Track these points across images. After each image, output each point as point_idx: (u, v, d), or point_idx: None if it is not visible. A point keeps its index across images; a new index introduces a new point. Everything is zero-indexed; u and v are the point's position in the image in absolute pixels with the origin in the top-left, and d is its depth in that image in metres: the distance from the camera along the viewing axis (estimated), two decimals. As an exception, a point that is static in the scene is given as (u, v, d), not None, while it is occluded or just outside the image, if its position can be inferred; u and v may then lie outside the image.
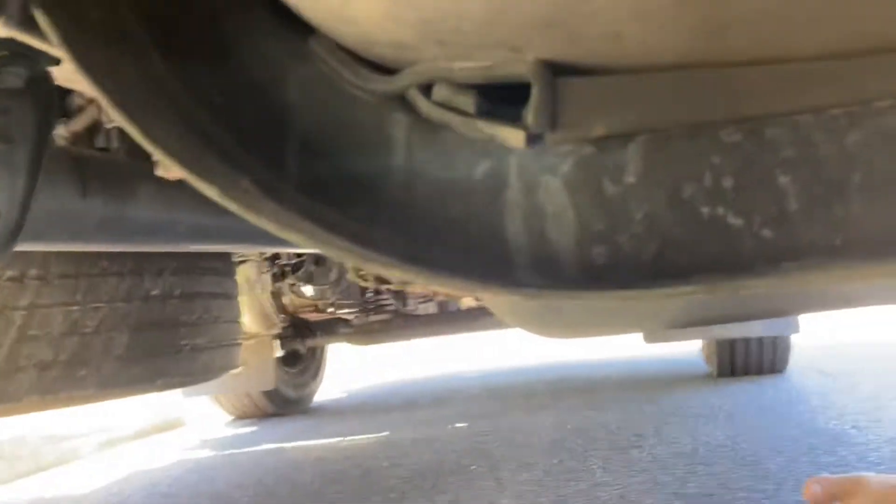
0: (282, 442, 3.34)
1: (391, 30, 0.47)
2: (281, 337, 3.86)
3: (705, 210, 0.48)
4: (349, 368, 5.86)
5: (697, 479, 2.03)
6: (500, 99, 0.51)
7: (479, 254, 0.50)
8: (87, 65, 0.47)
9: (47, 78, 1.19)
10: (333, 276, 3.38)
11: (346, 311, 3.79)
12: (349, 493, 2.26)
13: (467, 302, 4.19)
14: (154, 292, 2.10)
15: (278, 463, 2.89)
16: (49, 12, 0.47)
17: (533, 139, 0.50)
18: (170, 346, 2.12)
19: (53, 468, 3.51)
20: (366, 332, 3.92)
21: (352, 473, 2.53)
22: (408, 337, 4.07)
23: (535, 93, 0.49)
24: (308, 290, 3.50)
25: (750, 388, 3.24)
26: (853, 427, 2.37)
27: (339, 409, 4.31)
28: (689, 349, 4.20)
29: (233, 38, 0.56)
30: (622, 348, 5.06)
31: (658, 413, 2.95)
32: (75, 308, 1.93)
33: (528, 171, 0.52)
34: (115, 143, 1.93)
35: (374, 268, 0.48)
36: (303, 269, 3.34)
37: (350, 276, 3.32)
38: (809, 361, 3.80)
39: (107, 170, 1.45)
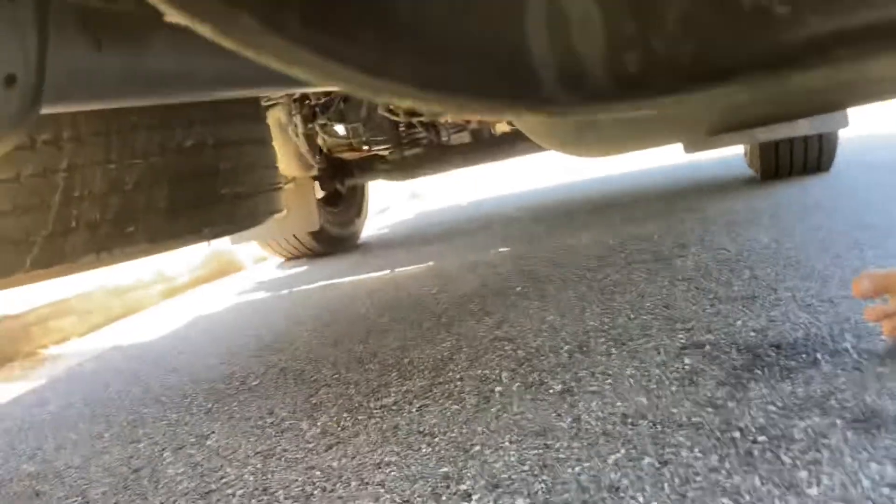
0: (333, 278, 3.45)
1: None
2: (320, 178, 3.89)
3: (747, 0, 0.43)
4: (391, 202, 5.93)
5: (741, 282, 2.05)
6: None
7: (502, 71, 0.47)
8: None
9: (43, -75, 1.13)
10: (364, 112, 3.33)
11: (381, 147, 3.77)
12: (402, 321, 2.35)
13: (501, 128, 4.13)
14: (187, 143, 2.10)
15: (332, 297, 2.99)
16: None
17: None
18: (210, 195, 2.15)
19: (123, 319, 3.72)
20: (402, 167, 3.92)
21: (404, 302, 2.61)
22: (444, 168, 4.06)
23: None
24: (340, 128, 3.47)
25: (795, 189, 3.20)
26: (901, 220, 2.33)
27: (386, 243, 4.40)
28: (731, 153, 4.12)
29: None
30: (662, 158, 4.98)
31: (701, 221, 2.94)
32: (112, 166, 1.94)
33: None
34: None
35: (391, 98, 0.45)
36: (333, 108, 3.30)
37: (381, 110, 3.27)
38: (856, 155, 3.70)
39: (117, 21, 1.40)
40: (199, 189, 2.10)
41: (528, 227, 3.75)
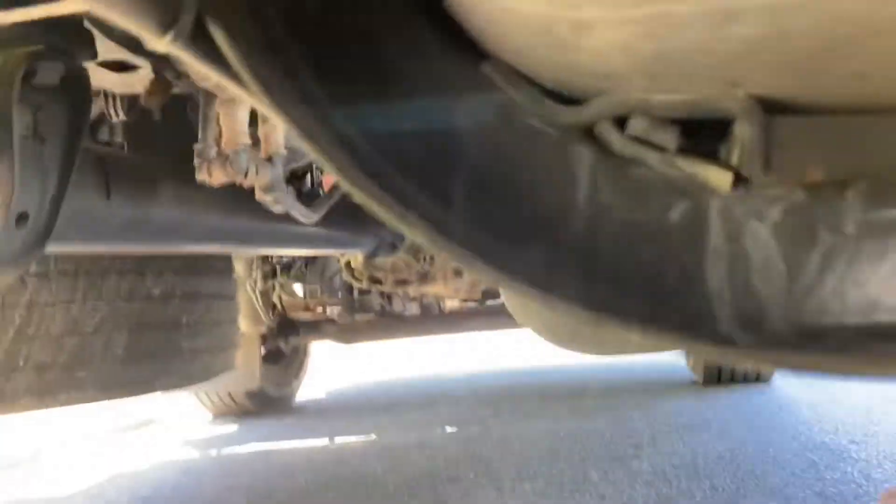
0: (268, 441, 3.27)
1: (607, 59, 0.43)
2: (264, 335, 3.79)
3: None
4: (331, 367, 5.79)
5: (702, 492, 2.03)
6: (688, 135, 0.47)
7: (675, 303, 0.46)
8: (262, 81, 0.43)
9: (83, 75, 1.13)
10: (325, 274, 3.32)
11: (334, 310, 3.73)
12: (347, 501, 2.21)
13: (451, 304, 4.17)
14: (155, 291, 2.03)
15: (268, 465, 2.82)
16: (225, 27, 0.43)
17: (740, 181, 0.47)
18: (170, 347, 2.05)
19: (28, 465, 3.40)
20: (350, 331, 3.87)
21: (347, 478, 2.48)
22: (391, 337, 4.03)
23: (747, 132, 0.45)
24: (299, 288, 3.44)
25: (738, 397, 3.27)
26: (851, 442, 2.39)
27: (323, 409, 4.24)
28: (672, 356, 4.22)
29: (394, 61, 0.52)
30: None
31: (650, 422, 2.95)
32: (75, 307, 1.85)
33: (732, 216, 0.48)
34: (118, 138, 1.86)
35: (558, 309, 0.44)
36: (294, 269, 3.28)
37: (343, 275, 3.27)
38: (792, 371, 3.84)
39: (129, 169, 1.39)
40: (159, 340, 2.00)
41: (475, 408, 3.69)
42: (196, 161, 1.18)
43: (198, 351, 2.13)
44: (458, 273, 3.07)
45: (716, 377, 3.50)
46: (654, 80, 0.45)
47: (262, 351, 3.81)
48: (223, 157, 1.15)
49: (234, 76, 0.48)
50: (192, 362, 2.11)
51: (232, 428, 3.78)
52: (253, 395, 3.91)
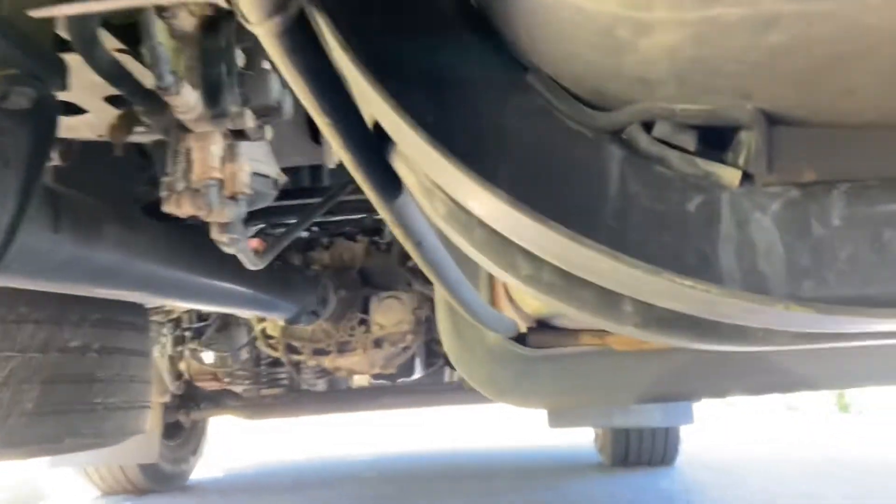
0: (164, 521, 3.09)
1: (653, 63, 0.50)
2: (165, 405, 3.63)
3: None
4: (230, 443, 5.53)
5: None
6: (703, 139, 0.55)
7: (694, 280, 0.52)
8: (365, 60, 0.48)
9: (53, 102, 1.13)
10: (238, 342, 3.24)
11: (240, 381, 3.62)
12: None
13: (359, 381, 4.13)
14: (72, 344, 1.94)
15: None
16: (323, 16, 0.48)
17: (746, 179, 0.55)
18: (83, 403, 1.95)
19: None
20: (254, 406, 3.76)
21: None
22: (298, 413, 3.93)
23: (754, 138, 0.53)
24: (209, 356, 3.34)
25: (644, 478, 3.34)
26: (755, 520, 2.49)
27: (221, 489, 4.04)
28: (580, 439, 4.29)
29: (449, 68, 0.58)
30: (517, 436, 5.09)
31: (562, 502, 2.97)
32: (-16, 356, 1.75)
33: (740, 208, 0.56)
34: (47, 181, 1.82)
35: (607, 265, 0.49)
36: (206, 335, 3.19)
37: (259, 343, 3.20)
38: (692, 454, 3.98)
39: (78, 206, 1.38)
40: (72, 395, 1.91)
41: (381, 489, 3.61)
42: (163, 193, 1.18)
43: (111, 409, 2.03)
44: (377, 344, 3.07)
45: (623, 458, 3.58)
46: (683, 88, 0.52)
47: (163, 423, 3.64)
48: (192, 191, 1.16)
49: (306, 74, 0.52)
50: (105, 421, 2.01)
51: (123, 506, 3.55)
52: (146, 471, 3.70)
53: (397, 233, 0.82)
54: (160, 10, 1.05)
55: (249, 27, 0.49)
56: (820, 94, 0.51)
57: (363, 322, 3.00)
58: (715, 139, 0.56)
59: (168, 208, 1.18)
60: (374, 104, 0.53)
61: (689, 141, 0.55)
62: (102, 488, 3.80)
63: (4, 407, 1.79)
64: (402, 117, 0.49)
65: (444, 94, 0.57)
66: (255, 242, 2.89)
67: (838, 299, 0.53)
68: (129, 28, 1.12)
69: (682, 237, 0.55)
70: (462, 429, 5.74)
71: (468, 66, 0.59)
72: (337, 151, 0.67)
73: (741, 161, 0.55)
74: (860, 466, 3.63)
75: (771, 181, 0.56)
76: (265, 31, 0.48)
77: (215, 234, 1.32)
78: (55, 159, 1.83)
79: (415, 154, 0.54)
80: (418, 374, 3.75)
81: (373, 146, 0.66)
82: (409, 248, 0.84)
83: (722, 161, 0.56)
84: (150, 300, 2.16)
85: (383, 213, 0.78)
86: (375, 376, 3.78)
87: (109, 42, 1.12)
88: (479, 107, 0.58)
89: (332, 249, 3.01)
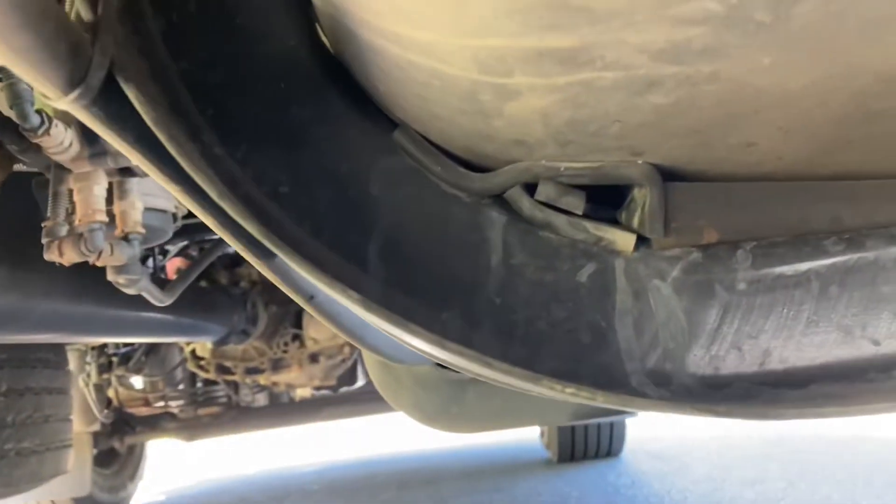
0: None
1: (526, 126, 0.44)
2: (96, 434, 3.48)
3: (815, 317, 0.49)
4: (171, 465, 5.38)
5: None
6: (591, 202, 0.49)
7: (590, 358, 0.47)
8: (174, 141, 0.40)
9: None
10: (168, 365, 3.12)
11: (175, 403, 3.49)
12: None
13: (302, 393, 4.03)
14: (-24, 388, 1.82)
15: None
16: (136, 87, 0.40)
17: (642, 243, 0.49)
18: (-9, 451, 1.82)
19: None
20: (193, 426, 3.63)
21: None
22: (238, 431, 3.81)
23: (647, 197, 0.48)
24: (138, 381, 3.20)
25: (591, 472, 3.34)
26: (698, 509, 2.50)
27: (161, 514, 3.91)
28: (527, 435, 4.28)
29: (304, 126, 0.51)
30: (458, 437, 5.05)
31: (509, 501, 2.95)
32: None
33: (637, 275, 0.50)
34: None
35: (479, 369, 0.43)
36: (134, 360, 3.05)
37: (189, 365, 3.09)
38: (638, 444, 4.00)
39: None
40: (-21, 443, 1.78)
41: (329, 501, 3.54)
42: (44, 240, 1.08)
43: (24, 454, 1.91)
44: (314, 359, 2.98)
45: (569, 454, 3.58)
46: (565, 148, 0.46)
47: (94, 452, 3.49)
48: (76, 236, 1.06)
49: (134, 140, 0.45)
50: (19, 467, 1.89)
51: (57, 542, 3.39)
52: (80, 502, 3.54)
53: (285, 290, 0.74)
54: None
55: (51, 103, 0.42)
56: (716, 148, 0.46)
57: (297, 337, 2.91)
58: (605, 201, 0.51)
59: (50, 257, 1.08)
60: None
61: (576, 203, 0.50)
62: (34, 524, 3.62)
63: None
64: (227, 207, 0.42)
65: (300, 157, 0.50)
66: (178, 262, 2.78)
67: (745, 376, 0.48)
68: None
69: (575, 311, 0.49)
70: (408, 432, 5.69)
71: (326, 123, 0.52)
72: (199, 216, 0.59)
73: (635, 223, 0.49)
74: (801, 445, 3.70)
75: (669, 244, 0.50)
76: (68, 107, 0.41)
77: (111, 277, 1.23)
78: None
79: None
80: (361, 382, 3.68)
81: None
82: (301, 303, 0.77)
83: (614, 224, 0.51)
84: (59, 340, 2.03)
85: (264, 272, 0.71)
86: (317, 388, 3.69)
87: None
88: (341, 171, 0.51)
89: (259, 264, 2.91)
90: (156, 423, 3.66)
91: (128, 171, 1.13)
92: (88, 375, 3.00)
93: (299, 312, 2.92)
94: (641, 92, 0.40)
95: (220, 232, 0.61)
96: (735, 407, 0.45)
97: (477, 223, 0.51)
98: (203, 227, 2.34)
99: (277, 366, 2.97)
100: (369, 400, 3.78)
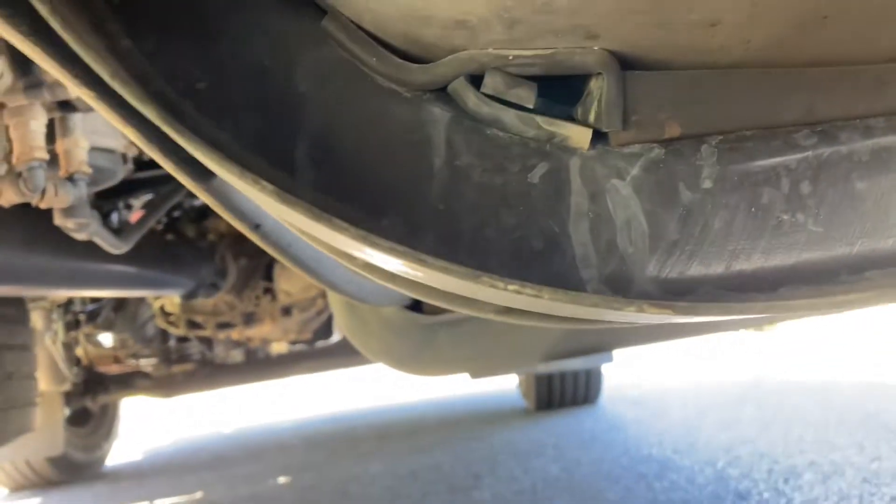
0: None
1: (462, 4, 0.39)
2: (68, 393, 3.43)
3: (786, 217, 0.45)
4: (145, 424, 5.36)
5: (543, 514, 2.04)
6: (543, 95, 0.45)
7: (541, 268, 0.43)
8: (74, 35, 0.35)
9: None
10: (137, 322, 3.06)
11: (147, 360, 3.45)
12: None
13: (278, 348, 4.00)
14: (-67, 346, 1.76)
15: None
16: None
17: (599, 139, 0.45)
18: (-49, 409, 1.78)
19: None
20: (167, 384, 3.60)
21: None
22: (212, 387, 3.79)
23: (605, 87, 0.43)
24: (107, 338, 3.15)
25: (569, 420, 3.36)
26: (674, 452, 2.51)
27: (139, 472, 3.89)
28: (505, 386, 4.29)
29: (220, 14, 0.45)
30: (440, 388, 5.07)
31: (487, 451, 2.96)
32: None
33: (593, 175, 0.46)
34: None
35: (415, 268, 0.39)
36: (101, 316, 2.99)
37: (157, 321, 3.03)
38: (615, 392, 4.03)
39: None
40: (-63, 401, 1.73)
41: (308, 455, 3.53)
42: (-5, 171, 1.02)
43: (-13, 412, 1.87)
44: (286, 312, 2.94)
45: (546, 402, 3.59)
46: (512, 30, 0.41)
47: (66, 411, 3.45)
48: (14, 175, 1.01)
49: (28, 33, 0.40)
50: (-20, 425, 1.85)
51: (34, 502, 3.37)
52: (56, 463, 3.52)
53: (227, 217, 0.69)
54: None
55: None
56: (678, 29, 0.41)
57: (268, 291, 2.86)
58: (558, 94, 0.46)
59: (-7, 198, 1.03)
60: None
61: (527, 95, 0.45)
62: (11, 485, 3.60)
63: None
64: (135, 102, 0.37)
65: (217, 49, 0.45)
66: (139, 215, 2.71)
67: (711, 280, 0.44)
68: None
69: (525, 216, 0.45)
70: (385, 384, 5.70)
71: (244, 9, 0.46)
72: (130, 138, 0.54)
73: (591, 117, 0.45)
74: (774, 387, 3.74)
75: (628, 139, 0.46)
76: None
77: (59, 221, 1.17)
78: None
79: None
80: (337, 335, 3.65)
81: None
82: (245, 232, 0.72)
83: (568, 119, 0.46)
84: (14, 293, 1.97)
85: (203, 198, 0.66)
86: (292, 342, 3.66)
87: None
88: (264, 64, 0.46)
89: (228, 216, 2.84)
90: (129, 382, 3.62)
91: (68, 106, 1.07)
92: (55, 333, 2.94)
93: (270, 265, 2.87)
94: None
95: (144, 146, 0.56)
96: (698, 304, 0.42)
97: (417, 121, 0.46)
98: (168, 178, 2.27)
99: (249, 320, 2.93)
100: (346, 353, 3.76)
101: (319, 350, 3.81)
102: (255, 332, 3.04)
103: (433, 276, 0.40)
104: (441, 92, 0.47)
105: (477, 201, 0.45)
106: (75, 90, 0.48)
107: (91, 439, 3.82)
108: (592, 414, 3.46)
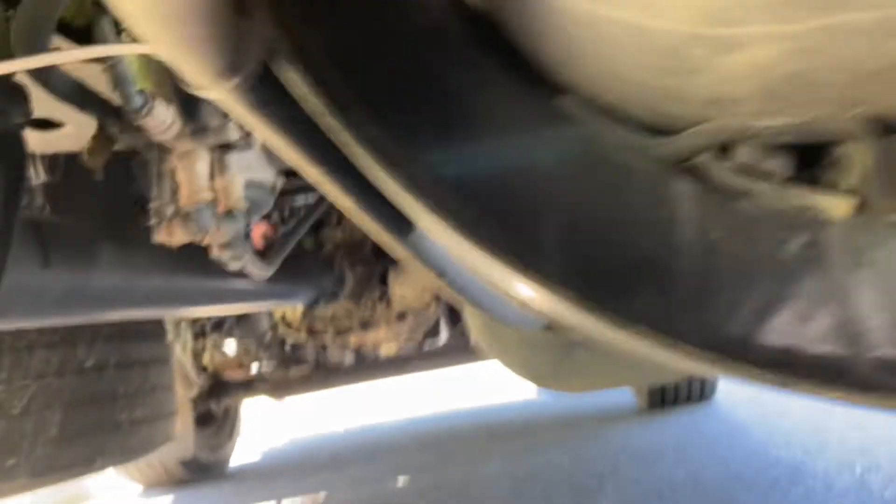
0: (210, 514, 3.08)
1: (733, 83, 0.39)
2: (195, 398, 3.60)
3: None
4: (262, 426, 5.55)
5: (676, 521, 2.01)
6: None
7: (813, 345, 0.42)
8: (348, 119, 0.37)
9: (19, 135, 1.02)
10: (259, 329, 3.18)
11: (267, 365, 3.58)
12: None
13: (387, 350, 4.07)
14: (88, 363, 1.87)
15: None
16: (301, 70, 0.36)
17: (860, 208, 0.43)
18: (107, 421, 1.89)
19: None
20: (284, 386, 3.72)
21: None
22: (326, 387, 3.90)
23: (866, 153, 0.42)
24: (231, 346, 3.28)
25: (685, 419, 3.29)
26: (805, 454, 2.42)
27: (261, 472, 4.04)
28: (613, 383, 4.23)
29: (458, 98, 0.46)
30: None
31: (605, 451, 2.92)
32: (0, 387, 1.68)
33: (855, 246, 0.44)
34: (38, 201, 1.73)
35: (682, 361, 0.39)
36: (226, 325, 3.12)
37: (280, 329, 3.14)
38: (730, 387, 3.91)
39: (65, 233, 1.28)
40: (96, 415, 1.85)
41: (423, 455, 3.59)
42: (153, 221, 1.08)
43: (137, 423, 1.98)
44: (401, 317, 2.99)
45: (660, 401, 3.52)
46: (768, 104, 0.40)
47: (194, 415, 3.61)
48: (183, 215, 1.06)
49: (283, 125, 0.41)
50: (132, 435, 1.96)
51: (167, 499, 3.55)
52: (186, 463, 3.69)
53: (418, 267, 0.71)
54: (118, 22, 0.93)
55: (201, 93, 0.39)
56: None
57: (384, 296, 2.92)
58: (804, 163, 0.44)
59: (160, 238, 1.08)
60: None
61: (781, 165, 0.44)
62: (145, 484, 3.81)
63: (29, 436, 1.73)
64: (417, 198, 0.38)
65: (456, 135, 0.45)
66: (263, 227, 2.80)
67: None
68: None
69: (783, 289, 0.44)
70: (495, 384, 5.71)
71: (477, 90, 0.46)
72: (335, 199, 0.56)
73: (849, 185, 0.43)
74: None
75: (892, 207, 0.44)
76: (222, 95, 0.38)
77: (216, 254, 1.22)
78: (41, 176, 1.73)
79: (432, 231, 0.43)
80: (445, 335, 3.69)
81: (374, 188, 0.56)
82: (432, 277, 0.74)
83: (823, 188, 0.44)
84: (160, 315, 2.08)
85: (399, 250, 0.68)
86: (406, 341, 3.72)
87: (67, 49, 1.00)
88: (501, 146, 0.46)
89: (343, 226, 2.90)
90: (248, 384, 3.76)
91: (227, 147, 1.12)
92: (185, 343, 3.09)
93: (385, 271, 2.93)
94: (891, 34, 0.34)
95: (358, 213, 0.58)
96: None
97: (663, 195, 0.45)
98: (288, 193, 2.34)
99: (366, 325, 3.00)
100: (453, 353, 3.80)
101: (427, 350, 3.86)
102: (371, 337, 3.10)
103: (680, 360, 0.39)
104: (685, 165, 0.46)
105: (732, 275, 0.44)
106: (312, 171, 0.50)
107: (215, 440, 3.99)
108: (709, 412, 3.37)
